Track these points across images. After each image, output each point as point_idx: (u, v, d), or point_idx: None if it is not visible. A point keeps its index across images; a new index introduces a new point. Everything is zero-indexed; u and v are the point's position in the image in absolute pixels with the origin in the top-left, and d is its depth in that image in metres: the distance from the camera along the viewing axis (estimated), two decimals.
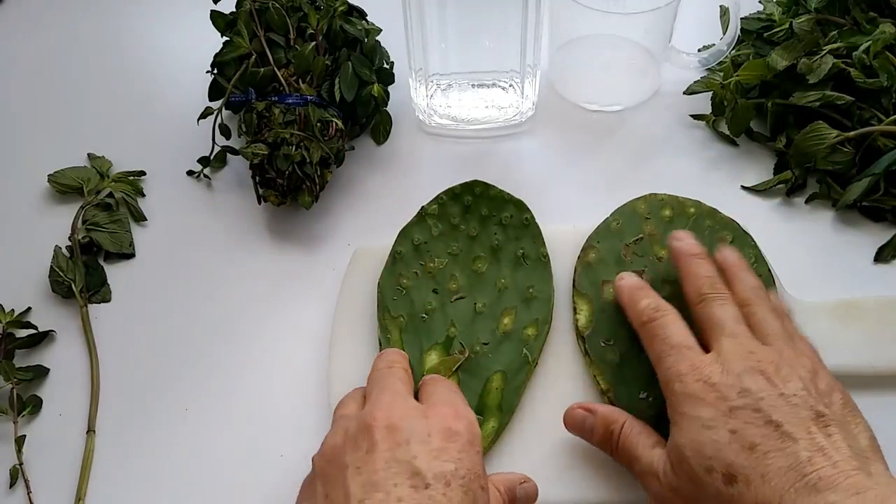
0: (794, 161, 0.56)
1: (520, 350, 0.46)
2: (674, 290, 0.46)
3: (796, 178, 0.56)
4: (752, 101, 0.58)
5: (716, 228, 0.50)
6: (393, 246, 0.50)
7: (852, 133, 0.54)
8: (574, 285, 0.49)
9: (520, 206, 0.52)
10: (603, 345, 0.46)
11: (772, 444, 0.34)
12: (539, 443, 0.44)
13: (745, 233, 0.50)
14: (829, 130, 0.54)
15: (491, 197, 0.52)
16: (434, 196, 0.52)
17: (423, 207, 0.52)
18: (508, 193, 0.52)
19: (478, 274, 0.49)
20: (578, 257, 0.50)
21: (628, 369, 0.45)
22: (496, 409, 0.44)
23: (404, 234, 0.51)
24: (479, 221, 0.51)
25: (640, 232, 0.50)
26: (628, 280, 0.45)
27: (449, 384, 0.41)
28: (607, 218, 0.51)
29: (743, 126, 0.59)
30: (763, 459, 0.34)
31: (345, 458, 0.34)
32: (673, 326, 0.41)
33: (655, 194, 0.52)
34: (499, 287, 0.49)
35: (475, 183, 0.52)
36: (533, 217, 0.51)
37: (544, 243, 0.51)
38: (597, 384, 0.45)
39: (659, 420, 0.42)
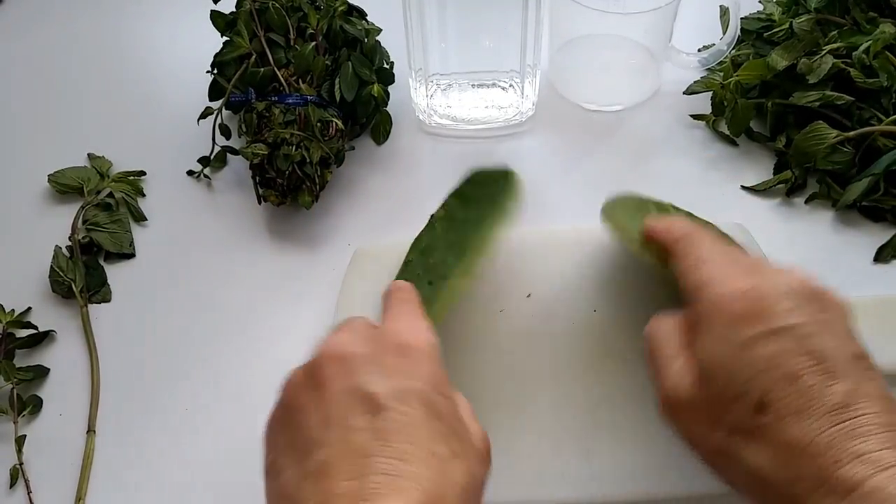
0: (794, 161, 0.56)
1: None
2: None
3: (796, 178, 0.56)
4: (751, 101, 0.58)
5: None
6: (406, 255, 0.49)
7: (852, 133, 0.54)
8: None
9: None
10: None
11: (815, 379, 0.31)
12: (555, 435, 0.44)
13: (724, 234, 0.50)
14: (829, 130, 0.54)
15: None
16: (439, 200, 0.52)
17: (432, 216, 0.51)
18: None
19: None
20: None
21: None
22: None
23: (417, 243, 0.50)
24: None
25: None
26: (659, 219, 0.42)
27: (406, 294, 0.40)
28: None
29: (743, 126, 0.59)
30: (805, 394, 0.31)
31: (299, 399, 0.33)
32: (711, 241, 0.38)
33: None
34: None
35: None
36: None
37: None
38: None
39: None
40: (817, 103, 0.56)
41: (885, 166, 0.53)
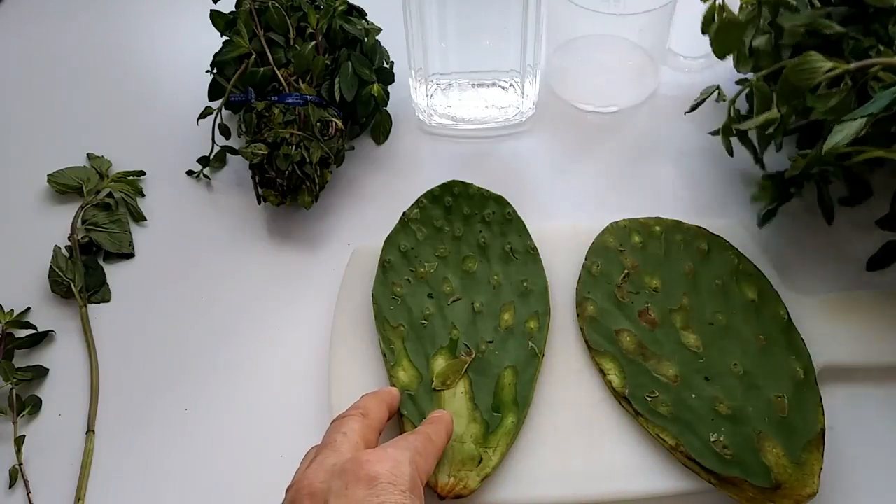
0: (782, 98, 0.46)
1: (525, 344, 0.46)
2: (682, 316, 0.47)
3: (783, 119, 0.47)
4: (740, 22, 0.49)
5: (688, 240, 0.50)
6: (381, 255, 0.50)
7: (851, 66, 0.43)
8: (589, 346, 0.47)
9: (500, 201, 0.52)
10: (649, 398, 0.44)
11: None
12: (554, 433, 0.44)
13: (717, 236, 0.50)
14: (823, 62, 0.44)
15: (470, 195, 0.52)
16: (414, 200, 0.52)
17: (404, 213, 0.52)
18: (487, 190, 0.52)
19: (469, 274, 0.49)
20: (578, 314, 0.48)
21: (686, 414, 0.43)
22: (512, 403, 0.44)
23: (390, 242, 0.50)
24: (462, 221, 0.51)
25: (623, 268, 0.49)
26: None
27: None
28: (584, 263, 0.50)
29: (728, 48, 0.50)
30: None
31: None
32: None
33: (616, 222, 0.51)
34: (492, 284, 0.49)
35: (453, 183, 0.53)
36: (515, 211, 0.51)
37: (530, 236, 0.50)
38: (662, 441, 0.43)
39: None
40: (803, 29, 0.47)
41: (883, 105, 0.41)
